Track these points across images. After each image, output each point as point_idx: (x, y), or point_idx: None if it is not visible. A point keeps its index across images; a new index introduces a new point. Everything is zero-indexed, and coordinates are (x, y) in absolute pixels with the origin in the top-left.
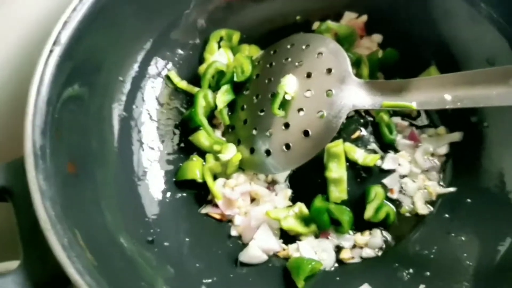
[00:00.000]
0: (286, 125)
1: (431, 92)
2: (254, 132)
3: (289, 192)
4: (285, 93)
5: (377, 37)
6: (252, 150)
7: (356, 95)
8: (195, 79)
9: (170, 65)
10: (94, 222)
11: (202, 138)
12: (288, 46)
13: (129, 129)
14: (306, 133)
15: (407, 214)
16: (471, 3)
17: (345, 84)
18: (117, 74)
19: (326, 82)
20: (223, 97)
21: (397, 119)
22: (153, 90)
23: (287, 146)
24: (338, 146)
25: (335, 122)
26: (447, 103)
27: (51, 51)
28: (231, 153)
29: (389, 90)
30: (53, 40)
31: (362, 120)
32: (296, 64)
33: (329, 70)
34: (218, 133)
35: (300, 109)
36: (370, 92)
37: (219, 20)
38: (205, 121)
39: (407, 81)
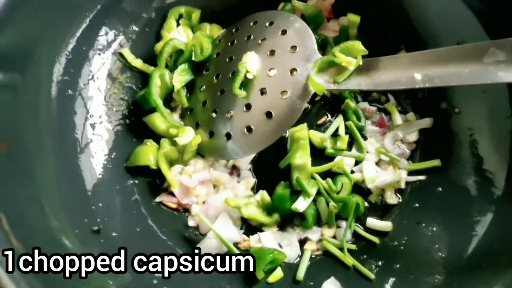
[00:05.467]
0: (248, 107)
1: (400, 70)
2: (213, 114)
3: (252, 180)
4: (247, 71)
5: (344, 20)
6: (211, 134)
7: None
8: (151, 58)
9: (122, 40)
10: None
11: (158, 120)
12: (251, 24)
13: (73, 108)
14: (268, 114)
15: (376, 203)
16: None
17: (310, 62)
18: (59, 47)
19: (290, 60)
20: (181, 77)
21: (364, 104)
22: (103, 66)
23: (249, 129)
24: (303, 131)
25: (299, 103)
26: (417, 82)
27: None
28: (189, 136)
29: (357, 68)
30: None
31: (328, 106)
32: (259, 41)
33: (293, 48)
34: (176, 117)
35: (262, 89)
36: None
37: None
38: (160, 102)
39: (375, 60)
